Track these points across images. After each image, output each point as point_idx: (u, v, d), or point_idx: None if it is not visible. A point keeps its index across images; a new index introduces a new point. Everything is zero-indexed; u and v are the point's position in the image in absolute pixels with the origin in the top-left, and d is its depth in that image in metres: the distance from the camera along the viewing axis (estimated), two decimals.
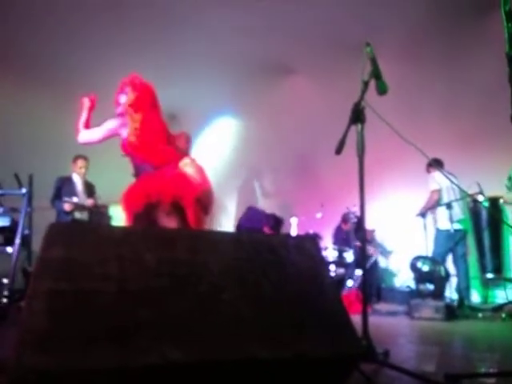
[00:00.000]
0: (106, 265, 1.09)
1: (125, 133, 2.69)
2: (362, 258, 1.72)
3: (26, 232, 4.13)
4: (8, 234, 4.14)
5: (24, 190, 4.09)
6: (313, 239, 1.35)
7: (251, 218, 5.11)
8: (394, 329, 3.41)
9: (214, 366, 1.02)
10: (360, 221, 5.11)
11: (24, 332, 0.91)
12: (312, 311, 1.17)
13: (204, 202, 2.56)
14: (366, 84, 1.95)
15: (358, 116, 1.84)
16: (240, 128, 6.83)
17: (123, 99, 2.77)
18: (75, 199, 4.56)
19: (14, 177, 4.10)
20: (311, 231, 5.09)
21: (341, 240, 5.17)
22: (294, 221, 5.11)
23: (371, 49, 2.01)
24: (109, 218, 5.65)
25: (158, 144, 2.66)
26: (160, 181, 2.51)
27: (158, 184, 2.49)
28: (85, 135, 2.83)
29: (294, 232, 5.09)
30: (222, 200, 6.26)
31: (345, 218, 5.21)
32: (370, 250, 4.98)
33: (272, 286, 1.17)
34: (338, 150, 1.78)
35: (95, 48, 5.35)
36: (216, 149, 6.91)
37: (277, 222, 5.07)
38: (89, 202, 4.65)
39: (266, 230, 4.93)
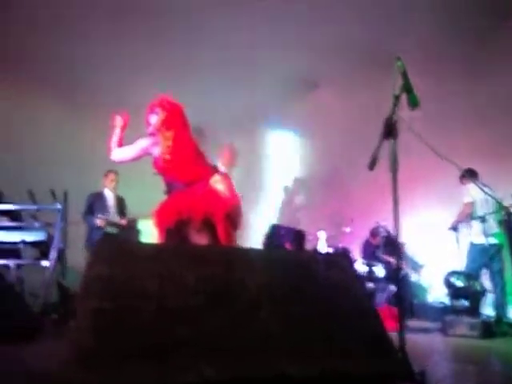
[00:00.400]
0: (147, 282, 1.12)
1: (157, 151, 2.74)
2: (396, 273, 1.69)
3: (61, 246, 4.25)
4: (44, 248, 4.26)
5: (59, 206, 4.23)
6: (345, 254, 1.34)
7: (273, 235, 5.10)
8: (428, 346, 3.31)
9: (246, 383, 1.02)
10: (389, 235, 5.05)
11: (70, 348, 0.94)
12: (345, 326, 1.16)
13: (233, 217, 2.58)
14: (397, 98, 1.94)
15: (390, 131, 1.83)
16: (267, 142, 6.87)
17: (154, 119, 2.82)
18: (107, 215, 4.71)
19: (50, 193, 4.25)
20: (340, 245, 5.03)
21: (369, 254, 5.08)
22: (322, 235, 5.06)
23: (402, 63, 2.00)
24: (137, 232, 5.76)
25: (189, 161, 2.70)
26: (191, 198, 2.55)
27: (189, 201, 2.53)
28: (118, 153, 2.89)
29: (322, 246, 5.04)
30: (249, 214, 6.29)
31: (374, 232, 5.12)
32: (400, 264, 4.88)
33: (304, 302, 1.17)
34: (371, 166, 1.76)
35: (122, 65, 5.51)
36: (243, 163, 6.95)
37: (298, 236, 5.03)
38: (122, 221, 4.77)
39: (288, 245, 4.90)
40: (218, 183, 2.65)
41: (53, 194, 4.26)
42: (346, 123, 5.68)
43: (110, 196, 4.89)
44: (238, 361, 1.00)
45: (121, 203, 4.94)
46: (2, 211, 4.65)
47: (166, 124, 2.75)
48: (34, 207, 4.73)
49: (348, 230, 5.11)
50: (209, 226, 2.47)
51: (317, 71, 5.78)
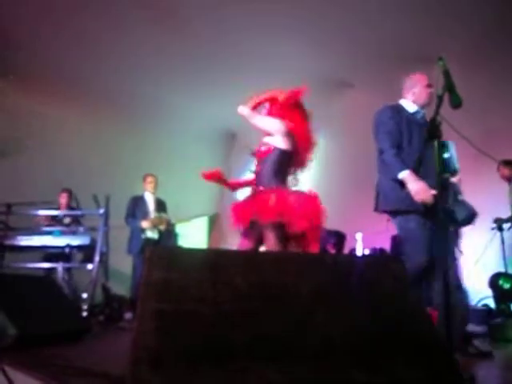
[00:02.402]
0: (201, 287, 1.16)
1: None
2: (444, 276, 1.66)
3: (104, 249, 4.41)
4: (88, 251, 4.44)
5: (101, 211, 4.40)
6: (399, 259, 1.34)
7: None
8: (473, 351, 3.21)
9: None
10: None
11: (137, 350, 0.99)
12: (403, 335, 1.16)
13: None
14: (440, 98, 1.91)
15: (434, 132, 1.81)
16: None
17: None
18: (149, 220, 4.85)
19: (93, 198, 4.43)
20: (377, 247, 4.96)
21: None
22: (359, 236, 5.01)
23: (444, 62, 1.97)
24: (175, 236, 5.89)
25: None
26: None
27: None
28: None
29: (359, 248, 4.99)
30: None
31: None
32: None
33: (360, 309, 1.17)
34: (417, 168, 1.75)
35: (154, 72, 5.63)
36: None
37: (339, 238, 5.00)
38: (161, 227, 4.88)
39: (330, 247, 4.88)
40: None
41: (95, 199, 4.44)
42: None
43: (150, 199, 5.01)
44: (300, 365, 1.03)
45: (161, 206, 5.03)
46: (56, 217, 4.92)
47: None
48: (79, 212, 4.95)
49: (384, 230, 5.02)
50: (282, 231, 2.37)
51: (352, 71, 5.72)
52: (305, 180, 6.73)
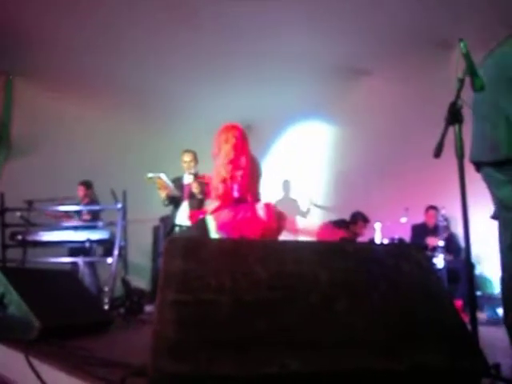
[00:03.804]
0: (220, 277, 1.15)
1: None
2: (467, 266, 1.62)
3: (122, 243, 4.47)
4: (107, 245, 4.52)
5: (119, 205, 4.46)
6: (420, 247, 1.31)
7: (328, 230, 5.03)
8: (496, 339, 3.15)
9: (330, 376, 1.03)
10: (447, 225, 4.86)
11: (157, 340, 0.99)
12: (426, 322, 1.13)
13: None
14: (461, 82, 1.85)
15: (455, 116, 1.75)
16: (319, 133, 6.81)
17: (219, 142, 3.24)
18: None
19: (111, 193, 4.48)
20: (396, 236, 4.91)
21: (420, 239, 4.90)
22: (377, 226, 4.96)
23: (465, 44, 1.91)
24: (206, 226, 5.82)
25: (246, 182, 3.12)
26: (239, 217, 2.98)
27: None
28: None
29: (378, 237, 4.94)
30: (302, 205, 6.29)
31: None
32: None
33: (382, 297, 1.15)
34: (437, 153, 1.70)
35: (169, 65, 5.64)
36: (295, 155, 6.96)
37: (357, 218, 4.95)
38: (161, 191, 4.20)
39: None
40: (261, 210, 2.98)
41: (113, 194, 4.49)
42: (399, 110, 5.50)
43: (188, 179, 4.24)
44: (321, 354, 1.02)
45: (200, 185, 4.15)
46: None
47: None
48: (98, 207, 5.03)
49: (404, 220, 4.96)
50: None
51: (369, 58, 5.62)
52: (323, 169, 6.70)
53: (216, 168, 3.16)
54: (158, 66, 5.65)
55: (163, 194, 4.15)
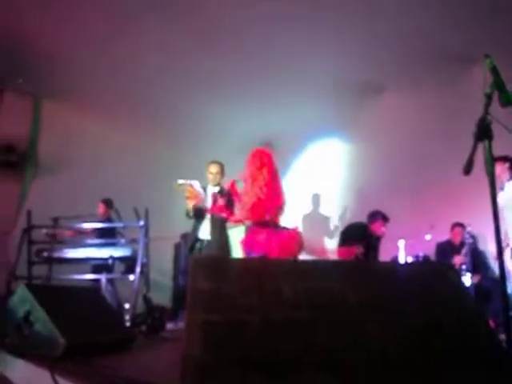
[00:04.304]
0: (248, 296, 1.14)
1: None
2: (502, 284, 1.56)
3: (144, 261, 4.50)
4: (130, 262, 4.55)
5: (141, 223, 4.50)
6: (452, 266, 1.27)
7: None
8: None
9: None
10: (475, 243, 4.72)
11: (186, 360, 0.98)
12: (461, 343, 1.09)
13: None
14: (489, 97, 1.82)
15: (485, 132, 1.72)
16: (338, 150, 6.78)
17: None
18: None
19: (133, 211, 4.54)
20: (420, 254, 4.79)
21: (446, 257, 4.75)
22: (401, 243, 4.85)
23: (491, 60, 1.88)
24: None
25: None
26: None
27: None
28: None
29: (401, 255, 4.83)
30: (326, 222, 6.23)
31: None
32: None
33: (414, 318, 1.12)
34: (467, 170, 1.66)
35: (191, 83, 5.75)
36: (316, 172, 6.93)
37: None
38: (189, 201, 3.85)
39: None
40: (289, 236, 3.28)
41: (136, 211, 4.55)
42: (418, 126, 5.44)
43: (211, 191, 3.94)
44: (352, 377, 0.98)
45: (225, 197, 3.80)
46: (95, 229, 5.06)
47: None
48: (121, 225, 5.08)
49: (428, 237, 4.85)
50: None
51: (385, 74, 5.60)
52: (343, 186, 6.63)
53: (252, 188, 3.33)
54: (184, 88, 5.77)
55: (190, 204, 3.79)
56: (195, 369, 0.95)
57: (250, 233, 3.29)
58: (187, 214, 3.89)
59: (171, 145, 6.67)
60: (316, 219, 6.46)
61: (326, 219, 6.38)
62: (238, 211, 3.39)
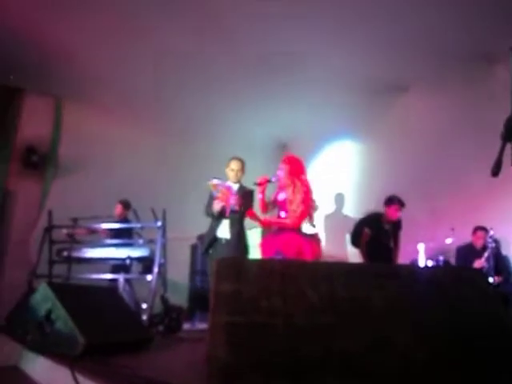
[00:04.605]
0: (271, 299, 1.12)
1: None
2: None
3: (162, 261, 4.51)
4: (147, 263, 4.57)
5: (159, 223, 4.52)
6: (481, 272, 1.23)
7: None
8: None
9: None
10: (497, 246, 4.60)
11: (210, 362, 0.96)
12: (491, 352, 1.05)
13: None
14: None
15: None
16: (356, 153, 6.71)
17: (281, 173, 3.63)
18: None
19: (151, 211, 4.57)
20: (441, 258, 4.69)
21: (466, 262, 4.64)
22: (421, 247, 4.76)
23: None
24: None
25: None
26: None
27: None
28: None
29: (421, 259, 4.74)
30: (344, 225, 6.16)
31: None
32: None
33: (442, 325, 1.08)
34: (496, 172, 1.61)
35: (207, 84, 5.77)
36: (332, 175, 6.87)
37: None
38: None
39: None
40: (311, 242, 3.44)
41: (153, 212, 4.57)
42: (438, 127, 5.34)
43: (233, 187, 3.84)
44: (380, 383, 0.96)
45: (246, 196, 3.78)
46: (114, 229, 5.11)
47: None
48: (138, 225, 5.12)
49: (449, 241, 4.74)
50: None
51: (405, 73, 5.51)
52: (361, 190, 6.56)
53: (297, 195, 3.51)
54: (201, 93, 5.81)
55: (219, 205, 3.67)
56: (220, 371, 0.94)
57: (269, 236, 3.38)
58: (208, 213, 3.81)
59: (188, 146, 6.72)
60: (334, 222, 6.40)
61: (344, 222, 6.32)
62: (288, 218, 3.51)
